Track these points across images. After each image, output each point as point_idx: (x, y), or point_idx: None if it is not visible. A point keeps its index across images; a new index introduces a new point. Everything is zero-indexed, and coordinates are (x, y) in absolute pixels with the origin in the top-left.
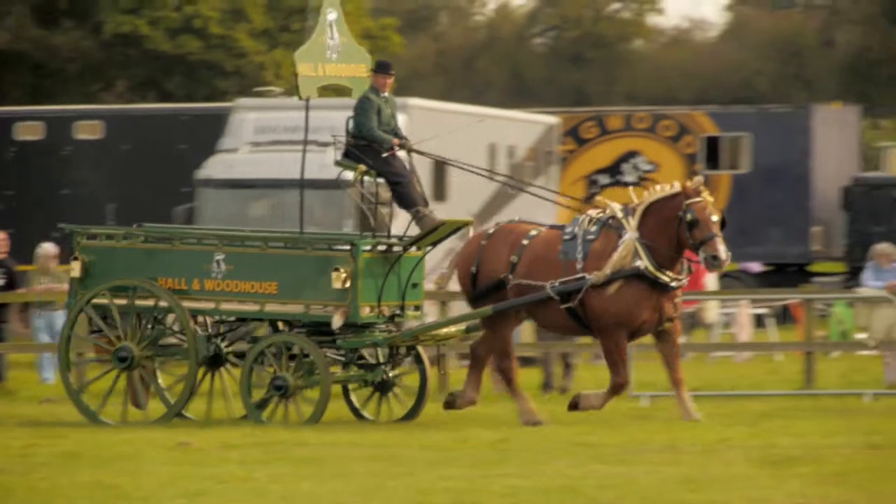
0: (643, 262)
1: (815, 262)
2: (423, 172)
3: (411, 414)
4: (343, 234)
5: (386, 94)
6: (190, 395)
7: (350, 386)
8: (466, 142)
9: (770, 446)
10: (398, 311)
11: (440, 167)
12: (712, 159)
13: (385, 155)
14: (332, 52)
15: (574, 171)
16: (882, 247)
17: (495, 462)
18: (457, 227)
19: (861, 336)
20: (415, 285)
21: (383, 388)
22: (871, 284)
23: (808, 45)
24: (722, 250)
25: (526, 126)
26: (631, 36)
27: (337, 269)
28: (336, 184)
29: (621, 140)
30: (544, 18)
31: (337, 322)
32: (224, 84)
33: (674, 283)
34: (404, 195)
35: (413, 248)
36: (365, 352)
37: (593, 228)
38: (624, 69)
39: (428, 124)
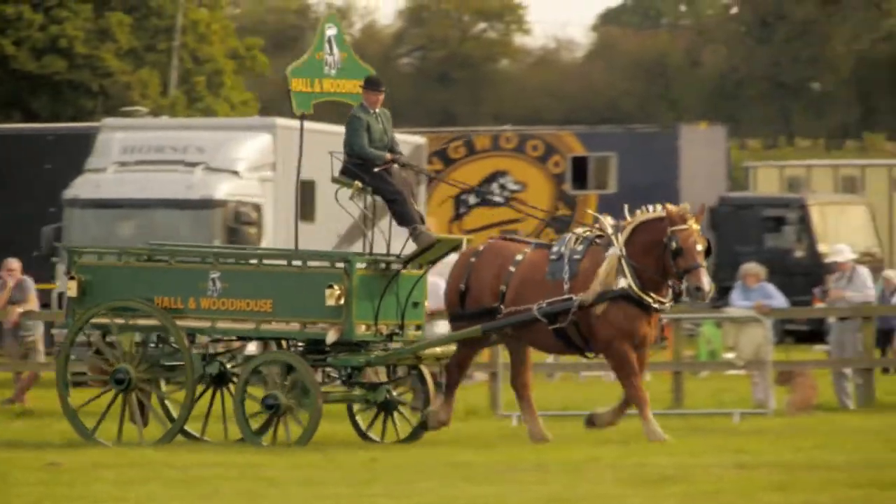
0: (627, 281)
1: None
2: (287, 193)
3: (414, 434)
4: (339, 251)
5: (377, 109)
6: (188, 414)
7: (355, 407)
8: (337, 162)
9: (641, 465)
10: (397, 331)
11: (308, 188)
12: (579, 179)
13: (376, 170)
14: (332, 67)
15: (442, 192)
16: (749, 266)
17: (365, 482)
18: (454, 245)
19: (729, 356)
20: (416, 304)
21: (387, 408)
22: (739, 304)
23: (674, 65)
24: (706, 282)
25: None
26: (497, 56)
27: (331, 286)
28: (203, 204)
29: (489, 160)
30: (410, 39)
31: (331, 339)
32: (90, 104)
33: (655, 306)
34: (401, 212)
35: (412, 267)
36: (370, 371)
37: (580, 248)
38: (490, 89)
39: (295, 144)
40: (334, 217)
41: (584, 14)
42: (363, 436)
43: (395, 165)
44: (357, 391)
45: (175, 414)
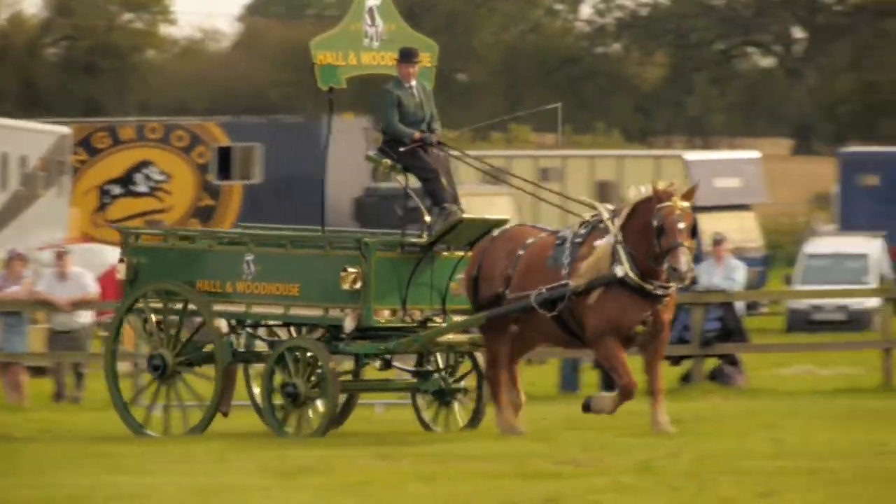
0: (623, 268)
1: None
2: None
3: (473, 421)
4: (357, 233)
5: (412, 83)
6: (219, 402)
7: (419, 400)
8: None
9: (283, 457)
10: (434, 316)
11: None
12: (224, 169)
13: (403, 149)
14: (374, 39)
15: (86, 182)
16: None
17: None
18: (489, 227)
19: None
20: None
21: (442, 396)
22: None
23: None
24: (683, 261)
25: (37, 136)
26: (143, 46)
27: (345, 270)
28: None
29: (133, 150)
30: (57, 28)
31: (348, 326)
32: None
33: (658, 292)
34: (431, 191)
35: (448, 250)
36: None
37: (582, 232)
38: (137, 79)
39: None
40: None
41: (230, 4)
42: (426, 426)
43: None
44: (398, 381)
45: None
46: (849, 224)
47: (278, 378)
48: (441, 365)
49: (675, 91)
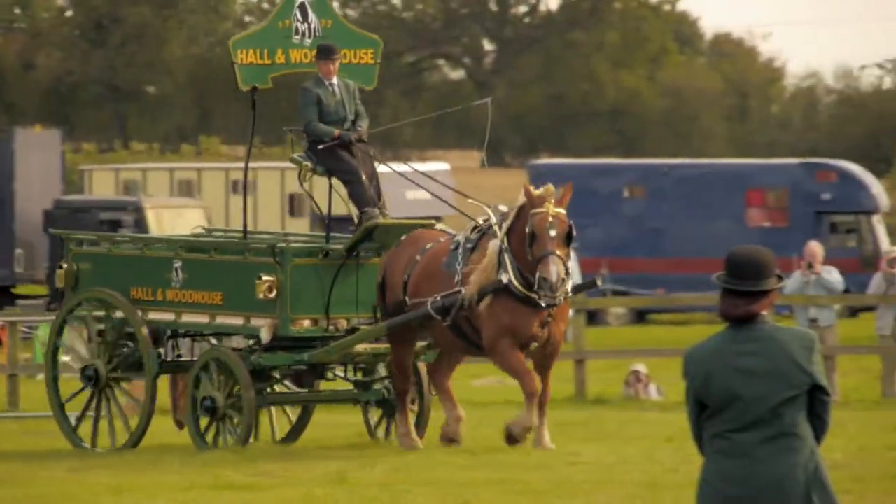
0: (507, 275)
1: (19, 284)
2: None
3: (418, 429)
4: (273, 237)
5: (333, 80)
6: (149, 416)
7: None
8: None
9: None
10: (365, 325)
11: None
12: None
13: (321, 147)
14: (305, 35)
15: None
16: None
17: None
18: (408, 230)
19: (65, 358)
20: None
21: (386, 406)
22: None
23: (8, 68)
24: (552, 272)
25: None
26: None
27: (259, 278)
28: None
29: None
30: None
31: (264, 336)
32: None
33: (543, 302)
34: (352, 194)
35: (379, 255)
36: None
37: (473, 237)
38: None
39: None
40: None
41: None
42: (371, 434)
43: (359, 142)
44: (339, 391)
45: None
46: None
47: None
48: (385, 374)
49: (365, 103)
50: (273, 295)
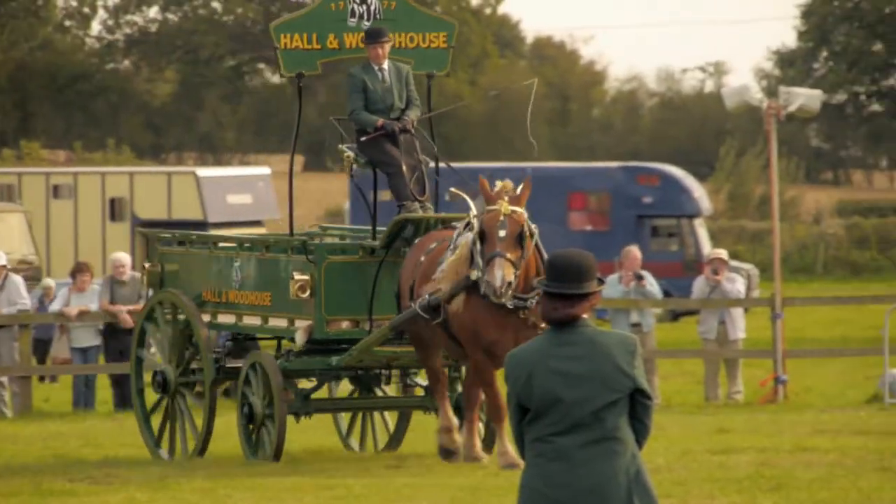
0: (476, 272)
1: None
2: None
3: (392, 442)
4: (305, 234)
5: (384, 65)
6: (209, 423)
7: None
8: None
9: None
10: None
11: None
12: None
13: (363, 139)
14: (363, 18)
15: None
16: None
17: None
18: (442, 222)
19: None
20: None
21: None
22: None
23: None
24: (497, 275)
25: None
26: None
27: (292, 277)
28: None
29: None
30: None
31: (299, 339)
32: None
33: (510, 304)
34: (392, 186)
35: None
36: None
37: (464, 233)
38: None
39: None
40: None
41: None
42: (345, 443)
43: (403, 133)
44: (404, 398)
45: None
46: None
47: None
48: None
49: (185, 107)
50: (307, 295)
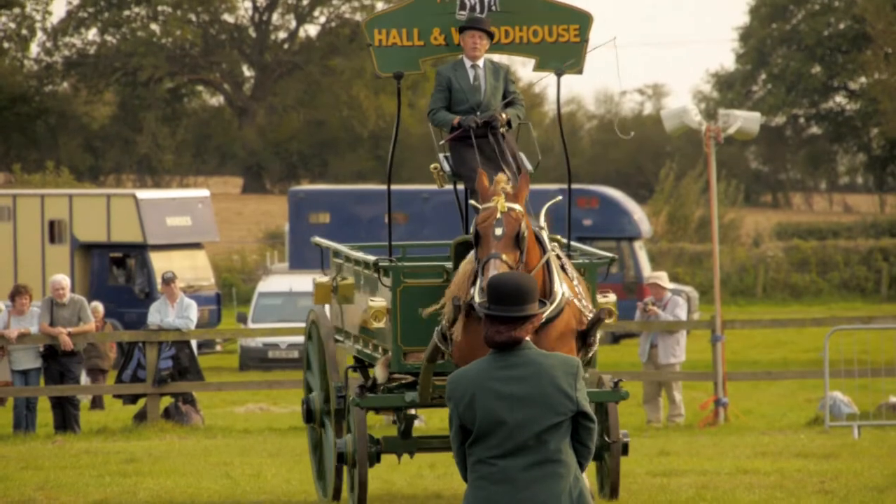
0: (474, 289)
1: None
2: None
3: None
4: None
5: (479, 61)
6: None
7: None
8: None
9: None
10: None
11: None
12: None
13: (442, 142)
14: (475, 10)
15: None
16: None
17: None
18: None
19: None
20: None
21: None
22: None
23: None
24: (493, 274)
25: None
26: None
27: (372, 301)
28: None
29: None
30: None
31: (379, 375)
32: None
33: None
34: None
35: None
36: None
37: None
38: None
39: None
40: None
41: None
42: None
43: (499, 131)
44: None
45: None
46: (301, 262)
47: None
48: None
49: (124, 129)
50: (382, 324)
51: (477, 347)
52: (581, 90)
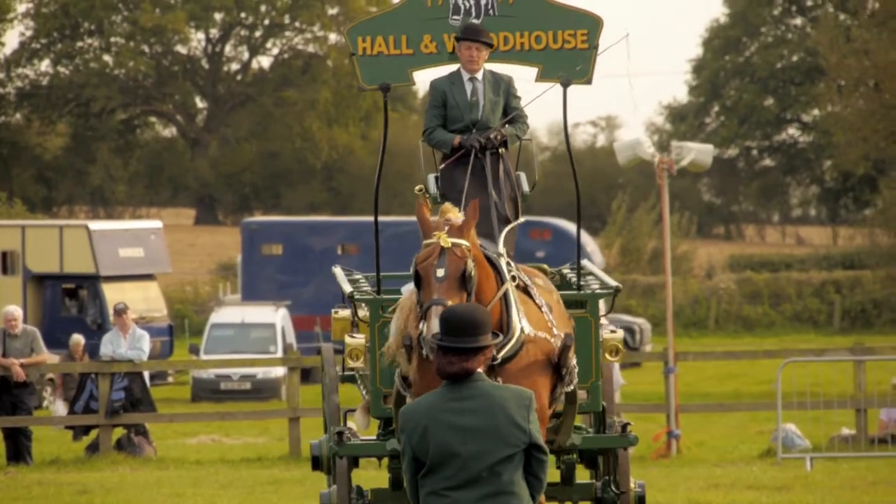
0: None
1: None
2: None
3: None
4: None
5: (477, 73)
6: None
7: None
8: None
9: None
10: None
11: None
12: None
13: (442, 166)
14: (471, 15)
15: None
16: None
17: None
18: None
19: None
20: None
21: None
22: None
23: None
24: (434, 325)
25: None
26: None
27: (351, 337)
28: None
29: None
30: None
31: (359, 420)
32: None
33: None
34: None
35: None
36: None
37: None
38: None
39: None
40: None
41: None
42: None
43: (496, 152)
44: None
45: None
46: (253, 293)
47: None
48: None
49: (77, 160)
50: (360, 363)
51: (432, 382)
52: (534, 122)
